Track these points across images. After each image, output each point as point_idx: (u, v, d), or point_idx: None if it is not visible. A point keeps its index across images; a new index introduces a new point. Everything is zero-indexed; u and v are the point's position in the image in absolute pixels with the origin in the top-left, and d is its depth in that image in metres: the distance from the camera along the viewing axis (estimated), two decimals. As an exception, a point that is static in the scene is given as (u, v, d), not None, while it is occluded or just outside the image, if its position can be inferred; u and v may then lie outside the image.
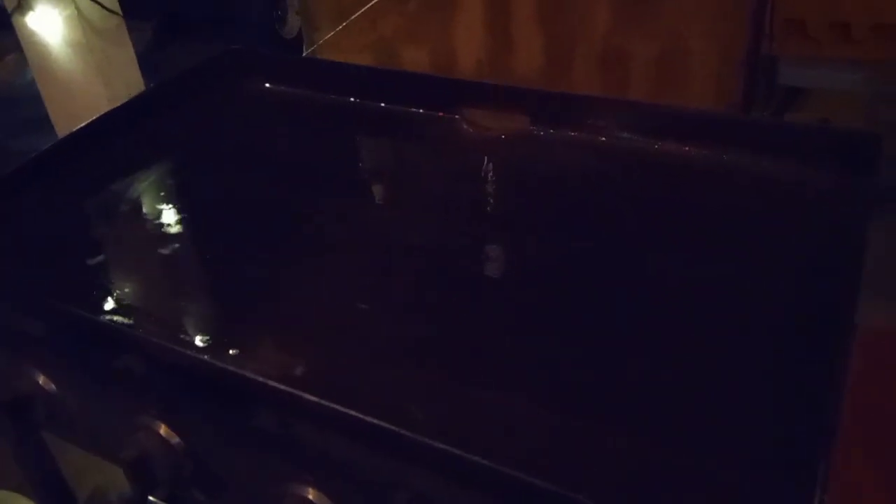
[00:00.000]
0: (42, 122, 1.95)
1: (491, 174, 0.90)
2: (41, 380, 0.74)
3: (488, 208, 0.85)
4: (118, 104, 1.01)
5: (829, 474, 0.48)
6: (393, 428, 0.54)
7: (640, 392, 0.59)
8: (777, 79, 1.80)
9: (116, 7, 1.86)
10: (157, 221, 0.84)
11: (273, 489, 0.62)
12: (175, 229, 0.82)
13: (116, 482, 1.30)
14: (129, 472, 0.66)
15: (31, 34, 1.73)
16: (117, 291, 0.73)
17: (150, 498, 0.93)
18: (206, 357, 0.63)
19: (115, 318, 0.69)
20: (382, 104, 1.01)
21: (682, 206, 0.80)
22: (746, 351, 0.62)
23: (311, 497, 0.60)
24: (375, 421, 0.54)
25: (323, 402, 0.56)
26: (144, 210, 0.86)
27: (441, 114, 0.98)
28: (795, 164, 0.80)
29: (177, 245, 0.80)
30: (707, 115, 0.93)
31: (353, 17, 1.49)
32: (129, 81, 1.75)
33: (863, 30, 1.62)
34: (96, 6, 1.75)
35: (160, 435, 0.66)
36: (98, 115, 0.98)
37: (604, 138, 0.89)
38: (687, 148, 0.86)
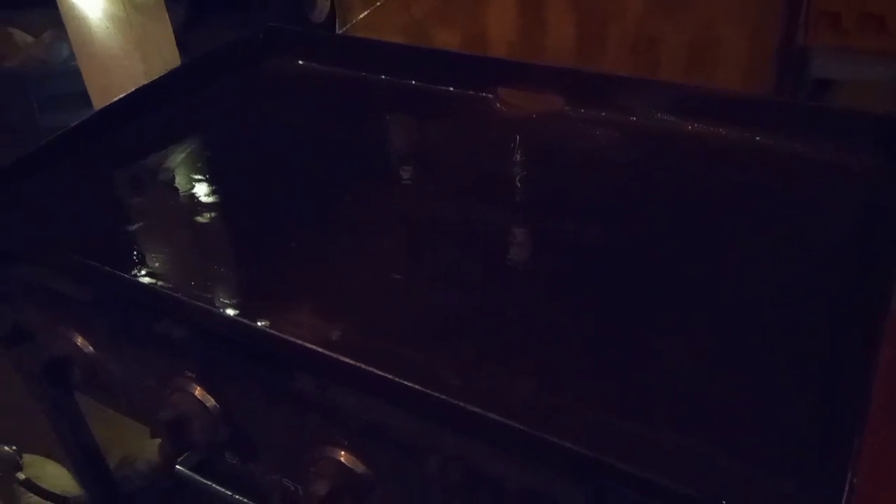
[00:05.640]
0: (76, 98, 1.97)
1: (523, 153, 0.90)
2: (79, 341, 0.75)
3: (520, 187, 0.85)
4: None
5: (861, 456, 0.48)
6: (429, 391, 0.54)
7: (672, 369, 0.59)
8: (808, 70, 1.78)
9: (156, -17, 1.87)
10: (192, 192, 0.85)
11: (306, 452, 0.63)
12: (211, 199, 0.83)
13: (143, 454, 1.32)
14: (166, 432, 0.67)
15: (72, 8, 1.75)
16: (156, 256, 0.74)
17: (178, 467, 0.95)
18: (245, 320, 0.64)
19: (154, 280, 0.70)
20: (415, 82, 1.02)
21: (715, 187, 0.80)
22: (779, 333, 0.61)
23: (343, 460, 0.61)
24: (411, 384, 0.55)
25: (360, 364, 0.57)
26: (180, 181, 0.87)
27: (474, 92, 0.98)
28: (832, 148, 0.80)
29: (213, 214, 0.81)
30: (741, 96, 0.92)
31: (385, -2, 1.50)
32: (166, 57, 1.77)
33: (898, 22, 1.60)
34: (137, -19, 1.77)
35: (197, 397, 0.67)
36: (135, 89, 0.99)
37: (637, 118, 0.89)
38: (721, 130, 0.85)
